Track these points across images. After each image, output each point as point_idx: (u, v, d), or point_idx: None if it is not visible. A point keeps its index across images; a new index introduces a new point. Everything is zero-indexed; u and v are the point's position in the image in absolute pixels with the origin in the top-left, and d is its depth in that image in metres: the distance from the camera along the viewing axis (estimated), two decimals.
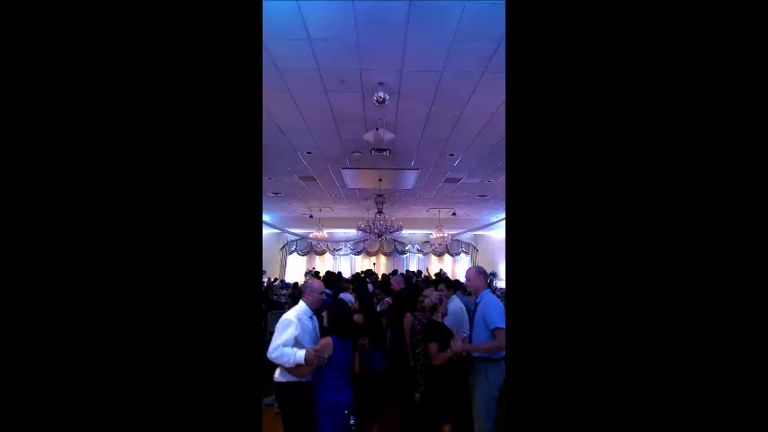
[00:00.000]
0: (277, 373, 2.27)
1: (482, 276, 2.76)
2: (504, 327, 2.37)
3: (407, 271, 9.48)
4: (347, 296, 4.81)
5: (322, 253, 12.07)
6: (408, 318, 3.28)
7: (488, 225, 10.37)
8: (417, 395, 3.11)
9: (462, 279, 3.62)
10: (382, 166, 5.54)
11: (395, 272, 8.43)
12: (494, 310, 2.49)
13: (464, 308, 3.33)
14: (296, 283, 8.11)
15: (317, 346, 2.24)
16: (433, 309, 2.66)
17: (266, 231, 11.27)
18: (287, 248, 11.89)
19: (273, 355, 2.14)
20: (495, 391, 2.48)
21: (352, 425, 3.04)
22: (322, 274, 6.18)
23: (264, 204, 8.61)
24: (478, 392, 2.51)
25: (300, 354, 2.13)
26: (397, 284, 4.48)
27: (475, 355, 2.54)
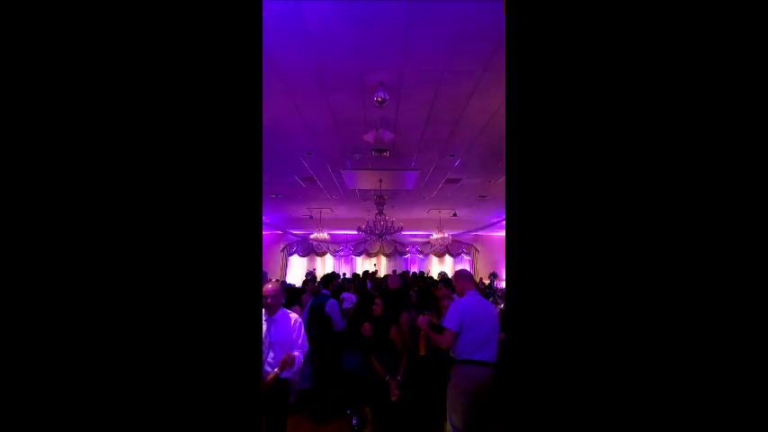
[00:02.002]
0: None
1: (462, 278, 2.83)
2: (448, 327, 2.58)
3: (404, 272, 9.45)
4: (349, 295, 4.82)
5: (322, 254, 12.06)
6: (405, 317, 3.27)
7: (489, 226, 10.36)
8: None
9: None
10: (382, 166, 5.54)
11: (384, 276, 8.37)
12: (449, 311, 2.69)
13: None
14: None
15: None
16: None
17: (267, 232, 11.26)
18: (287, 250, 11.88)
19: None
20: (457, 393, 2.54)
21: (355, 425, 3.03)
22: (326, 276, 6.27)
23: (265, 205, 8.61)
24: (448, 392, 2.66)
25: None
26: (392, 284, 4.47)
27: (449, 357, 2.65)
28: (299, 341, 2.44)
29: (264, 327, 2.43)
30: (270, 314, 2.43)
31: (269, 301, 2.41)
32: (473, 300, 2.67)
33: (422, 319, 2.81)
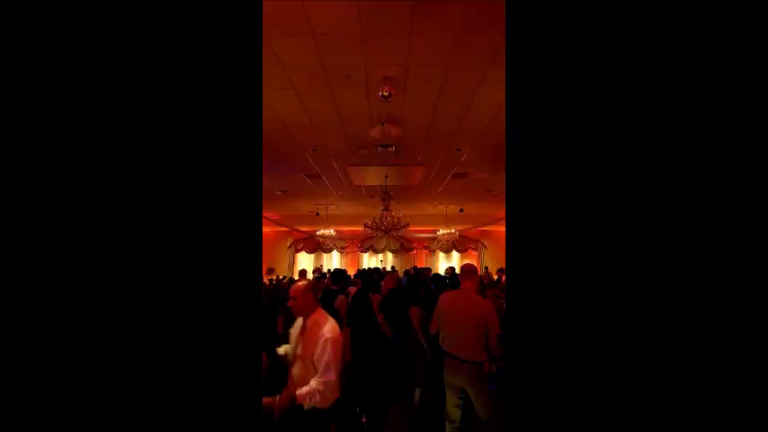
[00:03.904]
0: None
1: (461, 273, 2.76)
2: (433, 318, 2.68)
3: (413, 268, 9.42)
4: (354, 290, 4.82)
5: (329, 251, 12.10)
6: (415, 310, 3.22)
7: (496, 221, 10.29)
8: (417, 391, 3.09)
9: None
10: (388, 162, 5.50)
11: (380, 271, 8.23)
12: None
13: None
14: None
15: None
16: None
17: (274, 229, 11.32)
18: (294, 246, 11.94)
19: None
20: (447, 385, 2.53)
21: (364, 422, 3.03)
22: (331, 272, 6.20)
23: (271, 203, 8.64)
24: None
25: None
26: (388, 284, 4.35)
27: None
28: (321, 363, 1.73)
29: (293, 335, 1.96)
30: (296, 317, 1.94)
31: (291, 302, 1.90)
32: (457, 294, 2.62)
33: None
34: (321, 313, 1.93)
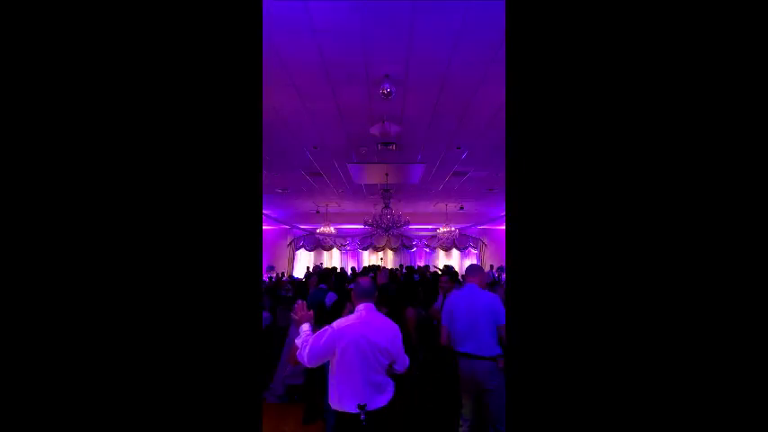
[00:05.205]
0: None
1: (467, 271, 2.80)
2: (442, 323, 2.63)
3: (409, 267, 9.41)
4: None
5: (329, 248, 12.11)
6: (411, 311, 3.24)
7: (496, 219, 10.29)
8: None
9: None
10: (388, 160, 5.50)
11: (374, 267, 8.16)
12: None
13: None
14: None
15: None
16: None
17: (274, 227, 11.33)
18: (294, 244, 11.95)
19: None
20: (460, 384, 2.54)
21: (363, 419, 3.03)
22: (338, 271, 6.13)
23: (272, 200, 8.64)
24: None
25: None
26: (380, 280, 4.34)
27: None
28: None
29: None
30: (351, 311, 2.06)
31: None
32: (462, 292, 2.64)
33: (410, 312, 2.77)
34: (357, 309, 1.98)
